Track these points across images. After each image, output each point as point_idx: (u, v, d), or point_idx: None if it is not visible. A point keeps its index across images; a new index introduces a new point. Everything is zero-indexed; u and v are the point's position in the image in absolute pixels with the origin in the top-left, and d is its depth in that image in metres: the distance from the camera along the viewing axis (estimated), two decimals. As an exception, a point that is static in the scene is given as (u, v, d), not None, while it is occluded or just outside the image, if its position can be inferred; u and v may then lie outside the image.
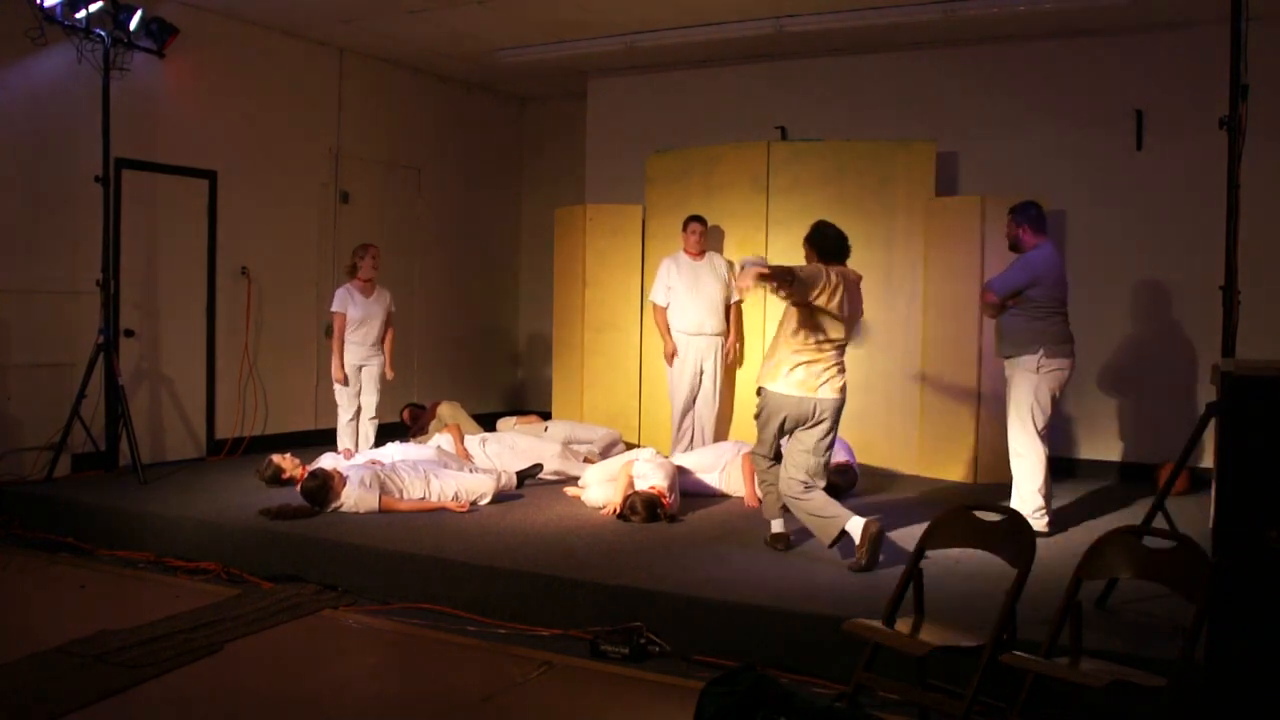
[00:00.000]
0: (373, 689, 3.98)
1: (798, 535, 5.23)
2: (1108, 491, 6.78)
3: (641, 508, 5.69)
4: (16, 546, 5.90)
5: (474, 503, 6.04)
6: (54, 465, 6.59)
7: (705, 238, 7.30)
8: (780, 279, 4.67)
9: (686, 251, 7.28)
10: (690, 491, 6.31)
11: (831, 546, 4.88)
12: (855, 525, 4.76)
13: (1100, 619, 4.01)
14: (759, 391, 5.05)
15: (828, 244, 5.01)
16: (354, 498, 5.75)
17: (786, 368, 4.90)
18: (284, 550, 5.34)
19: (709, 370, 7.28)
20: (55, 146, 6.79)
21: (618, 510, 5.80)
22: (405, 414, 8.21)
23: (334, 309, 6.95)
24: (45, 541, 5.92)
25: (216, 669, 4.07)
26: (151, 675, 3.93)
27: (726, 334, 7.34)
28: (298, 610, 4.75)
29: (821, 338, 4.89)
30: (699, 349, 7.25)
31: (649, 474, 5.91)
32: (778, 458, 5.07)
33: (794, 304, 4.90)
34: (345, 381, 6.94)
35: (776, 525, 5.17)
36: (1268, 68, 5.53)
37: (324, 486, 5.77)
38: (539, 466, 6.73)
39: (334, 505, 5.77)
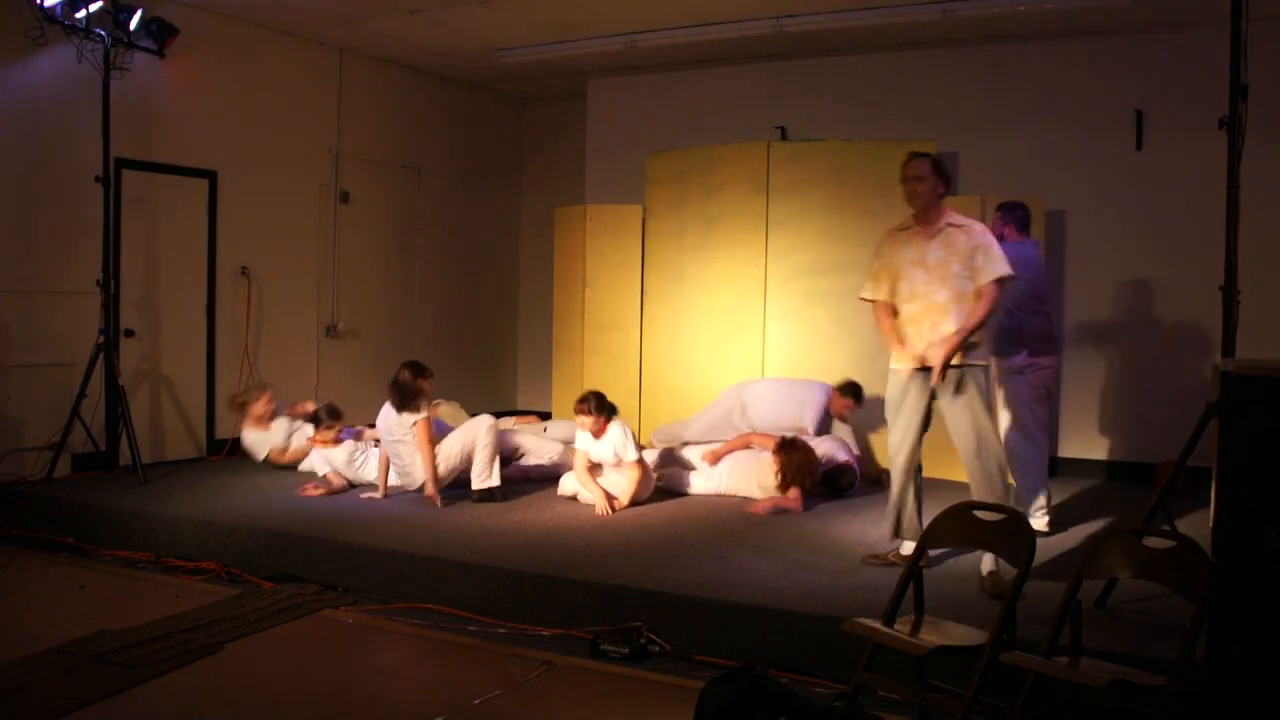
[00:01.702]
0: (373, 689, 3.98)
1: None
2: (1107, 491, 6.77)
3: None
4: (16, 546, 5.90)
5: (470, 455, 6.13)
6: (54, 465, 6.59)
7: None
8: (984, 321, 4.51)
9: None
10: (686, 490, 6.32)
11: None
12: (908, 549, 4.61)
13: (1100, 619, 4.02)
14: (985, 370, 4.69)
15: (947, 173, 4.70)
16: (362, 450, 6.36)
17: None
18: (284, 550, 5.34)
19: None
20: (55, 146, 6.79)
21: (611, 507, 5.86)
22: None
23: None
24: (45, 541, 5.92)
25: (216, 669, 4.08)
26: (151, 675, 3.93)
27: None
28: (298, 610, 4.75)
29: None
30: None
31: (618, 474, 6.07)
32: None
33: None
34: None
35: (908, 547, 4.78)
36: (1268, 68, 5.53)
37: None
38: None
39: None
